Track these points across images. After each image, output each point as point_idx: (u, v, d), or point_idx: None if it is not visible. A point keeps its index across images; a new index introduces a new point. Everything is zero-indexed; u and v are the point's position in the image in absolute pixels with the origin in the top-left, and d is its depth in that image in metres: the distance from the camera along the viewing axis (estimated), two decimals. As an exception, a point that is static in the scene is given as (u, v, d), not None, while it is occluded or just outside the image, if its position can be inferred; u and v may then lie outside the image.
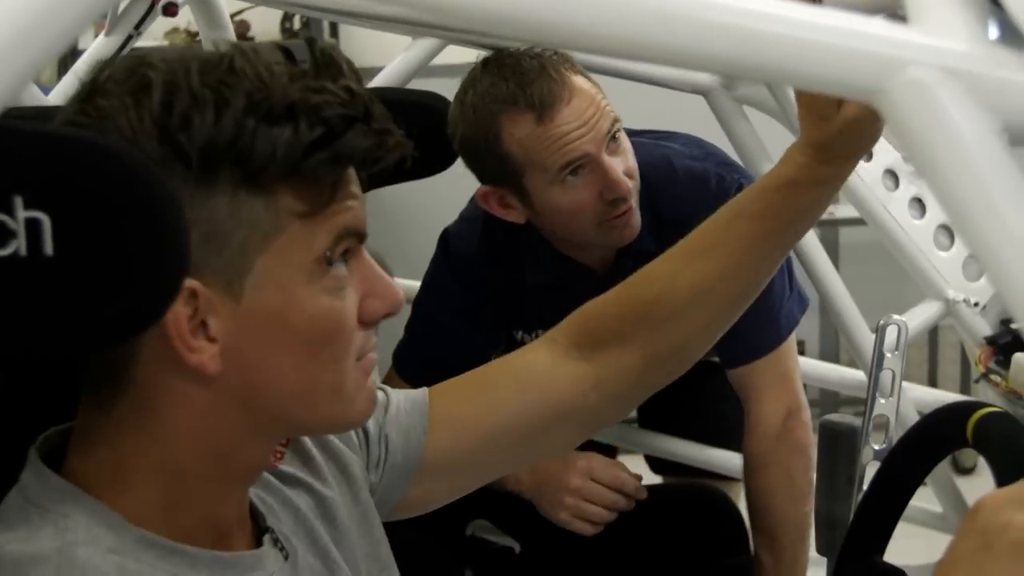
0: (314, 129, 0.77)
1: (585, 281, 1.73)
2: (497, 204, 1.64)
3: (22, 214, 0.68)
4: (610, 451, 2.27)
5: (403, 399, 1.08)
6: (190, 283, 0.77)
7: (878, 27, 0.66)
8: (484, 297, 1.75)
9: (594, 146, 1.54)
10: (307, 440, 1.02)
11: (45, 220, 0.68)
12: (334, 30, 3.97)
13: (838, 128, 0.99)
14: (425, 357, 1.81)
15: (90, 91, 0.79)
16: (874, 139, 1.02)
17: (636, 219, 1.61)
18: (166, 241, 0.72)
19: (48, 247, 0.69)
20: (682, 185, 1.68)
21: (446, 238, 1.81)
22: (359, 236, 0.84)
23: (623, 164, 1.58)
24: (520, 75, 1.53)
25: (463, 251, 1.77)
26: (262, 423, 0.84)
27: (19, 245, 0.68)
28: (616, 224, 1.60)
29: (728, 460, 2.02)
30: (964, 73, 0.63)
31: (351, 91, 0.79)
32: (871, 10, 0.81)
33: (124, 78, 0.78)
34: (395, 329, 2.34)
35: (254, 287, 0.79)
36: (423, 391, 1.10)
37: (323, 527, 0.97)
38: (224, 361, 0.79)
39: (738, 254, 1.08)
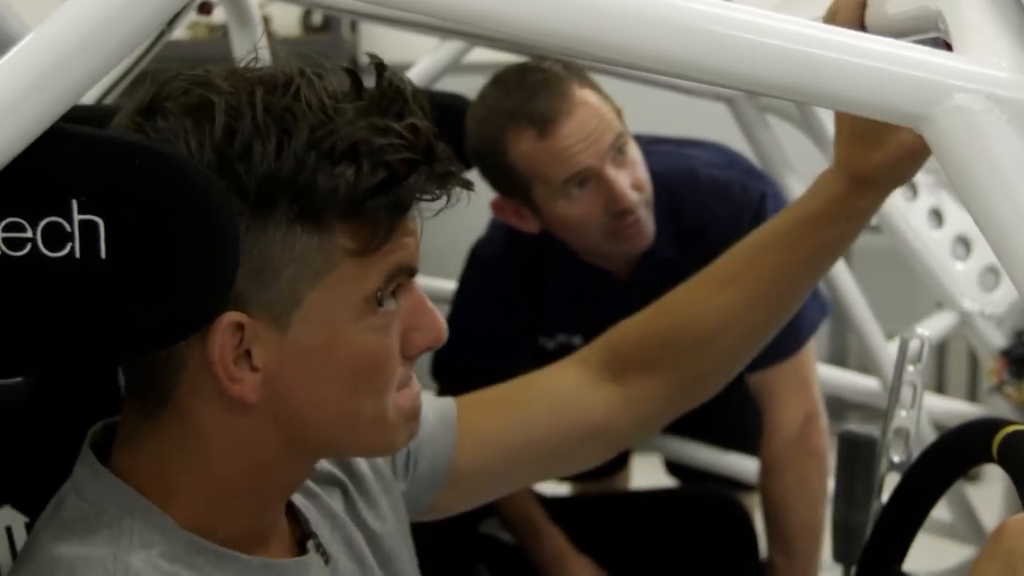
0: (377, 172, 0.76)
1: (607, 287, 1.75)
2: (512, 214, 1.67)
3: (77, 217, 0.69)
4: (624, 452, 2.28)
5: (431, 411, 1.06)
6: (237, 315, 0.77)
7: (924, 53, 0.67)
8: (509, 303, 1.76)
9: (596, 159, 1.56)
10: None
11: (100, 224, 0.70)
12: (354, 25, 3.98)
13: (890, 158, 0.96)
14: (457, 363, 1.81)
15: (149, 107, 0.78)
16: (918, 168, 0.99)
17: (647, 229, 1.62)
18: (218, 247, 0.73)
19: (102, 250, 0.70)
20: (705, 193, 1.69)
21: (475, 248, 1.84)
22: (411, 272, 0.83)
23: (630, 176, 1.59)
24: (524, 90, 1.56)
25: (489, 258, 1.79)
26: (302, 447, 0.85)
27: (74, 247, 0.70)
28: (625, 235, 1.61)
29: (746, 466, 2.03)
30: (1009, 101, 0.64)
31: (416, 129, 0.77)
32: (908, 31, 0.82)
33: (185, 98, 0.77)
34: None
35: (301, 321, 0.78)
36: (450, 402, 1.09)
37: (359, 533, 0.99)
38: (265, 390, 0.79)
39: (763, 286, 1.06)
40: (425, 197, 0.80)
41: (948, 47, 0.73)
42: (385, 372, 0.83)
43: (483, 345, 1.79)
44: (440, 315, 0.86)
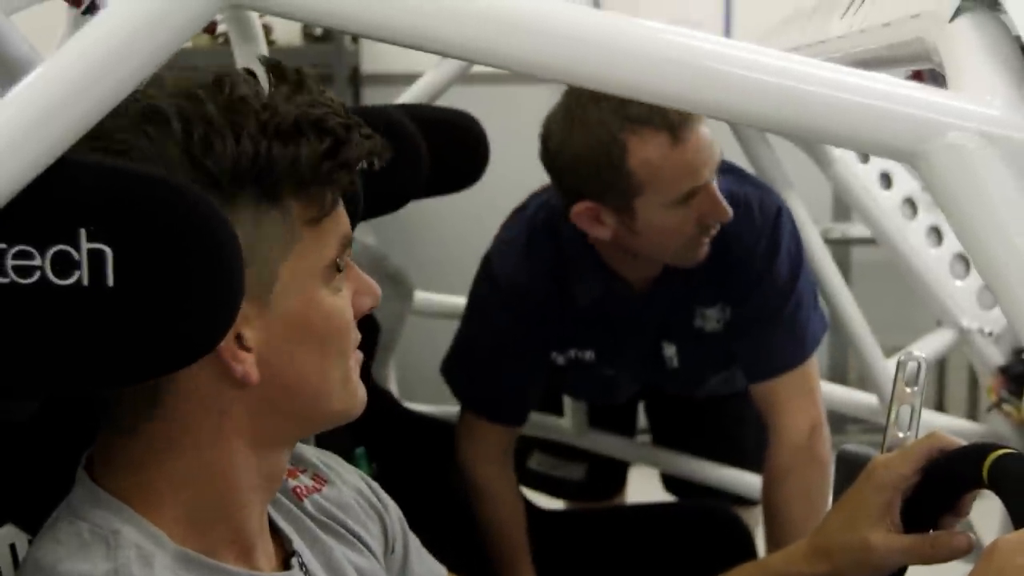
0: (323, 140, 0.83)
1: (624, 298, 1.75)
2: (588, 219, 1.63)
3: (86, 246, 0.71)
4: (623, 466, 2.29)
5: (422, 565, 1.13)
6: None
7: (917, 90, 0.68)
8: (530, 319, 1.76)
9: (712, 174, 1.57)
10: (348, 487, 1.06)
11: (108, 252, 0.71)
12: (355, 36, 3.99)
13: (850, 543, 1.06)
14: (476, 381, 1.83)
15: (101, 128, 0.78)
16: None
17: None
18: (225, 274, 0.74)
19: (110, 278, 0.71)
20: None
21: (489, 264, 1.80)
22: (350, 240, 0.90)
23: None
24: None
25: (508, 273, 1.76)
26: (289, 425, 0.89)
27: (82, 275, 0.71)
28: (698, 247, 1.63)
29: (745, 481, 2.04)
30: (1001, 139, 0.65)
31: (334, 102, 0.85)
32: (903, 63, 0.83)
33: (133, 112, 0.80)
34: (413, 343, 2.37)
35: (280, 295, 0.84)
36: (442, 570, 1.14)
37: (342, 557, 1.00)
38: (260, 369, 0.83)
39: None
40: (366, 159, 0.86)
41: (942, 76, 0.74)
42: (348, 334, 0.89)
43: (502, 364, 1.78)
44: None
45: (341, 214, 0.88)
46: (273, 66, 0.85)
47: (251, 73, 0.85)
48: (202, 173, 0.79)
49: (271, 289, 0.83)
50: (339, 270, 0.87)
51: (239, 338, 0.82)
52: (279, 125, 0.81)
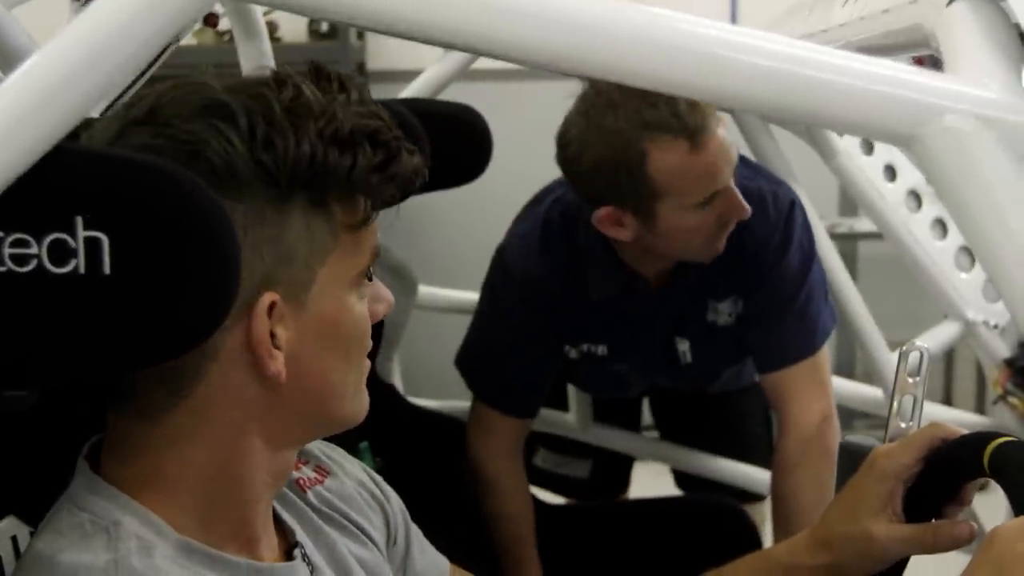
0: (377, 153, 0.84)
1: (639, 295, 1.76)
2: (611, 223, 1.65)
3: (82, 234, 0.71)
4: (627, 464, 2.29)
5: (424, 556, 1.12)
6: (272, 296, 0.82)
7: (913, 74, 0.68)
8: (543, 311, 1.76)
9: (731, 175, 1.59)
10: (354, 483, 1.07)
11: (104, 240, 0.71)
12: (361, 32, 3.99)
13: (853, 534, 1.04)
14: (492, 374, 1.83)
15: (152, 116, 0.81)
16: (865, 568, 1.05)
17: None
18: (221, 262, 0.74)
19: (106, 266, 0.71)
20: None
21: (503, 257, 1.81)
22: (379, 250, 0.91)
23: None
24: (669, 101, 1.53)
25: (524, 268, 1.77)
26: (302, 426, 0.89)
27: (78, 263, 0.71)
28: (716, 243, 1.64)
29: (749, 475, 2.04)
30: (997, 121, 0.65)
31: (385, 113, 0.86)
32: (901, 49, 0.83)
33: (195, 103, 0.81)
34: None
35: (315, 298, 0.85)
36: (445, 562, 1.13)
37: (344, 548, 1.00)
38: (287, 368, 0.83)
39: None
40: (411, 174, 0.87)
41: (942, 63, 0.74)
42: (367, 341, 0.90)
43: (516, 356, 1.79)
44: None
45: (374, 223, 0.89)
46: (316, 69, 0.86)
47: (319, 73, 0.86)
48: (263, 171, 0.80)
49: (308, 291, 0.84)
50: (369, 279, 0.89)
51: (272, 336, 0.82)
52: (336, 132, 0.82)
